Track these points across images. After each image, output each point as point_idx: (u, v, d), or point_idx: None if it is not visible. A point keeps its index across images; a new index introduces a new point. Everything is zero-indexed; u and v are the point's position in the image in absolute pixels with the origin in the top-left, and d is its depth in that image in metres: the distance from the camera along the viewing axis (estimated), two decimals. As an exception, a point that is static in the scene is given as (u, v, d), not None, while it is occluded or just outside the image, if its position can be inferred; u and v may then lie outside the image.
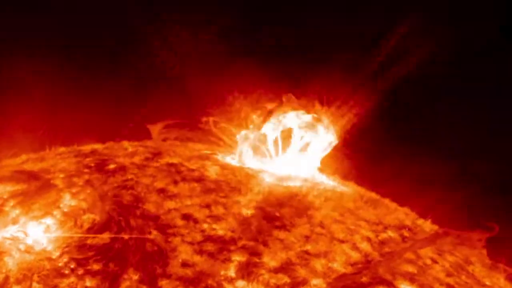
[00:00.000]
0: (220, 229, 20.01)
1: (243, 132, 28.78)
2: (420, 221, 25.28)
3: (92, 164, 24.11)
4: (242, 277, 17.91)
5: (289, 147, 28.86)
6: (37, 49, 32.55)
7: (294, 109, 28.24)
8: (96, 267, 17.44)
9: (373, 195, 26.52)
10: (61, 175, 22.58)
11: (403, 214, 25.18)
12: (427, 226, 25.10)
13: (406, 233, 22.78)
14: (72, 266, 17.35)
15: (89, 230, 18.97)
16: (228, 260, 18.51)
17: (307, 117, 28.12)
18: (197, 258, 18.32)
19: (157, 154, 25.87)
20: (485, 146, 31.28)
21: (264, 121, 28.44)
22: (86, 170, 23.33)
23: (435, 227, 25.26)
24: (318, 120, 27.99)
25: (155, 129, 30.65)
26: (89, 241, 18.45)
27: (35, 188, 20.83)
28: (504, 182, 30.64)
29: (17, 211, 19.40)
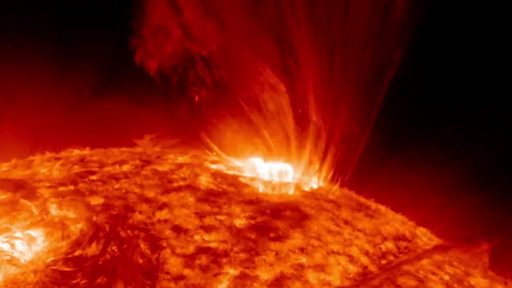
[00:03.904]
0: (212, 241, 19.57)
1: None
2: (419, 231, 24.92)
3: (80, 173, 23.59)
4: (235, 291, 17.46)
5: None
6: (28, 54, 32.12)
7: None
8: (83, 280, 16.97)
9: (371, 203, 26.07)
10: (48, 184, 22.02)
11: (401, 224, 24.80)
12: (426, 236, 24.76)
13: (404, 244, 22.41)
14: (59, 279, 16.74)
15: (76, 242, 18.33)
16: (220, 273, 18.12)
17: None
18: (188, 271, 17.93)
19: (147, 162, 25.42)
20: (487, 152, 31.02)
21: None
22: (73, 179, 22.79)
23: (434, 237, 24.99)
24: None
25: (145, 136, 30.31)
26: (76, 253, 17.87)
27: (21, 197, 20.24)
28: (507, 191, 30.41)
29: (2, 221, 18.77)
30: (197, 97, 31.01)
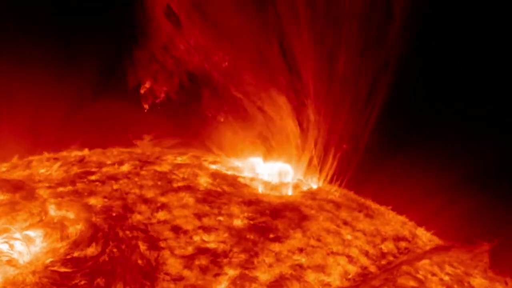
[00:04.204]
0: (211, 241, 19.50)
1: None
2: (419, 231, 24.83)
3: (79, 173, 23.48)
4: (234, 292, 17.40)
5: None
6: (27, 54, 32.03)
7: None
8: (82, 281, 16.85)
9: (370, 204, 26.01)
10: (47, 184, 21.92)
11: (401, 224, 24.73)
12: (426, 236, 24.67)
13: (404, 245, 22.33)
14: (57, 280, 16.66)
15: (75, 242, 18.24)
16: (219, 274, 18.05)
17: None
18: (187, 272, 17.85)
19: (146, 162, 25.34)
20: (487, 152, 30.95)
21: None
22: (72, 179, 22.69)
23: (434, 238, 24.89)
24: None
25: (144, 137, 30.22)
26: (75, 254, 17.78)
27: (20, 198, 20.13)
28: (507, 191, 30.32)
29: (1, 222, 18.67)
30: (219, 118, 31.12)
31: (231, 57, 30.80)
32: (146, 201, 21.48)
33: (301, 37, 29.60)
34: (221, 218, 20.94)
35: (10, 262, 17.20)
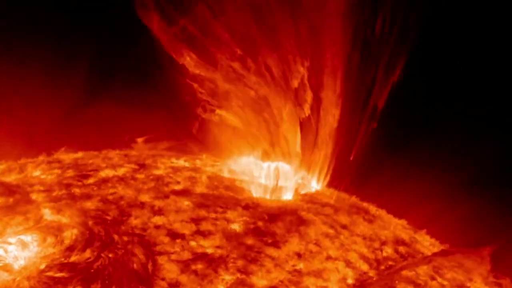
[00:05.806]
0: (208, 247, 19.35)
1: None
2: (418, 236, 24.74)
3: (74, 176, 23.33)
4: (231, 298, 17.25)
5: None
6: (23, 55, 31.89)
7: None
8: (77, 286, 16.75)
9: (369, 207, 25.90)
10: (42, 188, 21.76)
11: (400, 228, 24.67)
12: (426, 240, 24.57)
13: (403, 249, 22.19)
14: (52, 286, 16.50)
15: (70, 247, 18.08)
16: (216, 279, 17.92)
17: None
18: (184, 278, 17.70)
19: (142, 166, 25.24)
20: (488, 154, 30.82)
21: None
22: (67, 183, 22.54)
23: (434, 242, 24.81)
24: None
25: (140, 139, 30.10)
26: (70, 259, 17.64)
27: (14, 202, 19.95)
28: (508, 192, 30.17)
29: (-5, 227, 18.54)
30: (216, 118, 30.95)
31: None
32: (142, 205, 21.36)
33: (304, 45, 29.48)
34: (218, 222, 20.79)
35: (4, 267, 17.12)
